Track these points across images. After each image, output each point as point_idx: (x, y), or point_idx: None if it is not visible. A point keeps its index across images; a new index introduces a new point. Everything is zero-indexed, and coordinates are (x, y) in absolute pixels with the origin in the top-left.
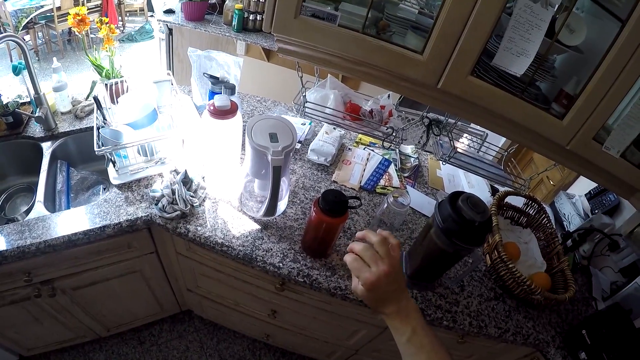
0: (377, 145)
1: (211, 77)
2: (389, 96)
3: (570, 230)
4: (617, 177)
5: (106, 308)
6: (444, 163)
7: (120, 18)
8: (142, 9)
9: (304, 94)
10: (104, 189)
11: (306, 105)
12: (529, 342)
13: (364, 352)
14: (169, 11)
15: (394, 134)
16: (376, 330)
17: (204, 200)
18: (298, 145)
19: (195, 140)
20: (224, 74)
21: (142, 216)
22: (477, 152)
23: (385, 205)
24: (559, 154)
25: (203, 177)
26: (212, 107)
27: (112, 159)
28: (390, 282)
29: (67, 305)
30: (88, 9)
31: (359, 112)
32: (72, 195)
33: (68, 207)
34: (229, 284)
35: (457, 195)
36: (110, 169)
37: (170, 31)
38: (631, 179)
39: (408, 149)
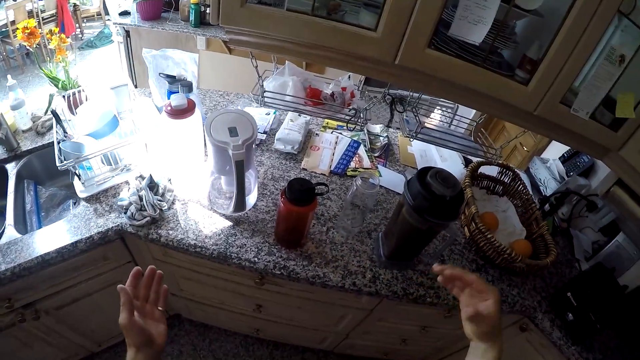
0: (344, 127)
1: (167, 76)
2: (349, 77)
3: (547, 195)
4: (588, 139)
5: (93, 323)
6: (411, 140)
7: (77, 25)
8: (99, 14)
9: (261, 84)
10: (74, 203)
11: (265, 94)
12: (515, 310)
13: (355, 336)
14: (125, 13)
15: (357, 115)
16: (362, 313)
17: (173, 203)
18: (263, 136)
19: (157, 142)
20: (180, 71)
21: (112, 227)
22: (449, 125)
23: (355, 187)
24: (528, 121)
25: (169, 180)
26: (169, 108)
27: (76, 172)
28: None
29: (53, 326)
30: (43, 19)
31: (320, 97)
32: (42, 214)
33: (40, 227)
34: (210, 283)
35: (425, 171)
36: (76, 182)
37: (127, 33)
38: (603, 139)
39: (377, 128)
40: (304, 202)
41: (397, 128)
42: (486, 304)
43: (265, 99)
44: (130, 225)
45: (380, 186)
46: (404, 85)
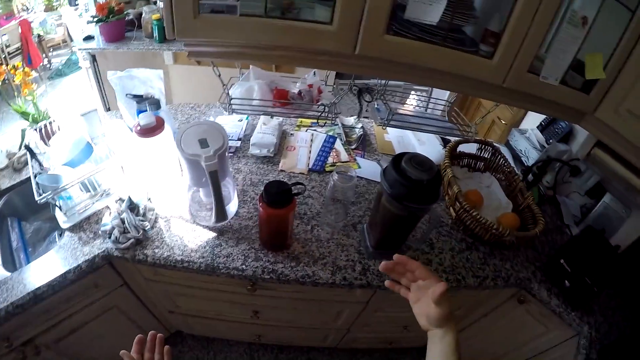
0: (318, 124)
1: (135, 96)
2: (314, 73)
3: (530, 165)
4: (562, 105)
5: (95, 351)
6: (384, 128)
7: (44, 55)
8: (64, 41)
9: (227, 92)
10: (59, 234)
11: (232, 102)
12: (510, 283)
13: (356, 330)
14: (89, 37)
15: (327, 110)
16: (358, 307)
17: (155, 221)
18: (237, 143)
19: (133, 163)
20: (147, 90)
21: (98, 253)
22: (425, 109)
23: (332, 182)
24: (498, 94)
25: (149, 199)
26: (138, 127)
27: (56, 203)
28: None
29: (55, 358)
30: (9, 54)
31: (287, 97)
32: (30, 249)
33: (28, 262)
34: (204, 296)
35: (399, 157)
36: (58, 213)
37: (93, 58)
38: (576, 103)
39: (351, 120)
40: (283, 204)
41: (367, 117)
42: (433, 291)
43: (233, 106)
44: (115, 249)
45: (360, 177)
46: (369, 74)
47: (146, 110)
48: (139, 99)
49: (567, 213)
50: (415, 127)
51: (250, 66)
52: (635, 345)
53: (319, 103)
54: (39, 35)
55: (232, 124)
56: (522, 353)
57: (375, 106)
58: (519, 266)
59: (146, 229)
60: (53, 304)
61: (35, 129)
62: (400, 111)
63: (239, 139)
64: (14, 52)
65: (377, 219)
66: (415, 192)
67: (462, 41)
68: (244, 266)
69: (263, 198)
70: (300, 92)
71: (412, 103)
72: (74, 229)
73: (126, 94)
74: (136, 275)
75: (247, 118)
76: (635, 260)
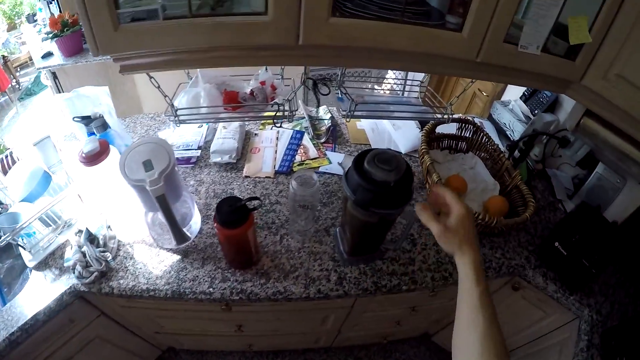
0: (275, 125)
1: (82, 118)
2: (266, 69)
3: (516, 139)
4: (545, 75)
5: None
6: (347, 120)
7: (12, 76)
8: (30, 59)
9: (170, 103)
10: (30, 271)
11: (177, 112)
12: (502, 273)
13: (347, 330)
14: (48, 54)
15: (280, 110)
16: (343, 312)
17: (118, 250)
18: (198, 152)
19: (87, 191)
20: (93, 109)
21: (65, 290)
22: (402, 93)
23: (291, 191)
24: (473, 70)
25: (109, 227)
26: (82, 156)
27: (18, 243)
28: (468, 220)
29: None
30: None
31: (237, 99)
32: (5, 289)
33: (5, 304)
34: (185, 317)
35: (362, 157)
36: (23, 252)
37: (54, 75)
38: (561, 72)
39: (319, 111)
40: (238, 223)
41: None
42: (449, 218)
43: (180, 117)
44: (81, 284)
45: (331, 174)
46: (321, 64)
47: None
48: (86, 120)
49: (559, 187)
50: (383, 116)
51: (198, 70)
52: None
53: (272, 102)
54: (3, 57)
55: (193, 132)
56: (521, 338)
57: (339, 96)
58: (511, 253)
59: (108, 260)
60: (31, 347)
61: None
62: (368, 98)
63: (199, 148)
64: None
65: (346, 225)
66: (382, 196)
67: (425, 14)
68: (211, 289)
69: (217, 218)
70: (252, 92)
71: (383, 88)
72: (40, 266)
73: (73, 118)
74: (111, 304)
75: (207, 123)
76: (633, 232)
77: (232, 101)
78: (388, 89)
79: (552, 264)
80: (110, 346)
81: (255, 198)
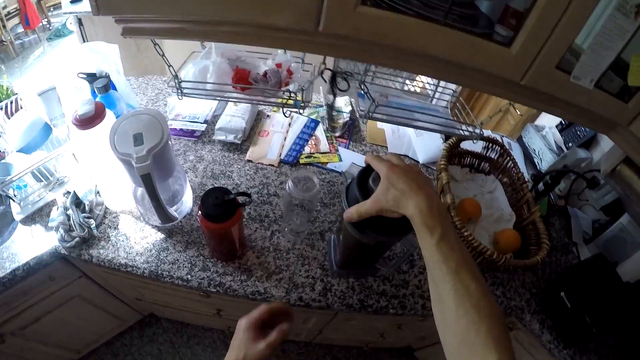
0: (284, 114)
1: (88, 75)
2: (285, 50)
3: (542, 169)
4: (591, 112)
5: (64, 335)
6: (364, 121)
7: (43, 15)
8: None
9: (174, 74)
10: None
11: (181, 85)
12: None
13: (328, 332)
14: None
15: (291, 97)
16: (327, 316)
17: (104, 217)
18: (203, 127)
19: (81, 152)
20: (100, 66)
21: (47, 251)
22: (431, 99)
23: (287, 191)
24: (512, 91)
25: (97, 192)
26: (76, 118)
27: (9, 194)
28: (418, 172)
29: (23, 344)
30: (6, 15)
31: (248, 79)
32: None
33: None
34: (165, 292)
35: (368, 172)
36: (13, 203)
37: (80, 22)
38: (609, 112)
39: (339, 101)
40: (223, 218)
41: None
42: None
43: (185, 90)
44: (62, 247)
45: (339, 172)
46: (342, 56)
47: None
48: (91, 78)
49: (577, 229)
50: (404, 123)
51: None
52: None
53: (284, 88)
54: None
55: (202, 104)
56: None
57: (361, 92)
58: (512, 292)
59: (91, 227)
60: (10, 297)
61: (0, 108)
62: (392, 100)
63: (205, 122)
64: (12, 12)
65: (341, 238)
66: (381, 221)
67: (472, 19)
68: (189, 276)
69: (200, 209)
70: (265, 73)
71: (410, 90)
72: (27, 220)
73: (77, 73)
74: (93, 267)
75: (214, 99)
76: None
77: (242, 81)
78: (416, 92)
79: (553, 313)
80: (91, 306)
81: (245, 194)
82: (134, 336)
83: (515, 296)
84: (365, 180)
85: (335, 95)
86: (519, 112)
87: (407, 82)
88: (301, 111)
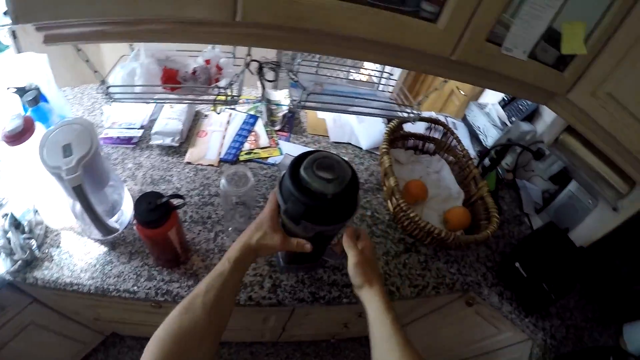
0: (216, 111)
1: (17, 89)
2: (213, 46)
3: (488, 145)
4: (528, 83)
5: None
6: (305, 112)
7: None
8: None
9: (101, 80)
10: None
11: (109, 90)
12: (456, 289)
13: (291, 328)
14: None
15: (221, 93)
16: (285, 314)
17: (45, 237)
18: (140, 132)
19: (13, 171)
20: (30, 78)
21: None
22: (377, 85)
23: (222, 188)
24: (447, 68)
25: (36, 211)
26: (4, 134)
27: None
28: (374, 254)
29: None
30: None
31: (177, 78)
32: None
33: None
34: (120, 308)
35: (299, 161)
36: None
37: (13, 34)
38: (546, 82)
39: (278, 95)
40: (158, 223)
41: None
42: (349, 260)
43: (114, 96)
44: (6, 272)
45: (280, 165)
46: (265, 46)
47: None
48: (20, 92)
49: (528, 200)
50: (340, 109)
51: None
52: (593, 357)
53: (213, 85)
54: None
55: (139, 109)
56: (471, 350)
57: (294, 82)
58: (468, 268)
59: (33, 248)
60: None
61: None
62: (328, 88)
63: (141, 127)
64: None
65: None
66: (317, 210)
67: None
68: (135, 287)
69: (136, 216)
70: (194, 71)
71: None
72: None
73: (7, 88)
74: (43, 290)
75: (146, 102)
76: (599, 256)
77: (170, 80)
78: (362, 81)
79: (510, 284)
80: (48, 332)
81: (178, 196)
82: (98, 358)
83: (471, 272)
84: (297, 171)
85: (264, 87)
86: (463, 93)
87: (352, 70)
88: (234, 107)
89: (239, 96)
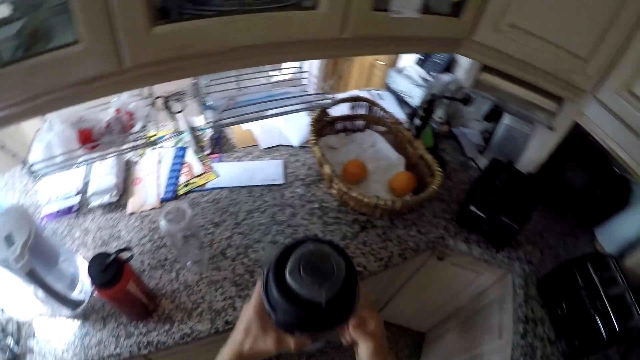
0: (164, 138)
1: None
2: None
3: (416, 106)
4: (430, 38)
5: None
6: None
7: None
8: None
9: (22, 160)
10: None
11: (33, 168)
12: (421, 250)
13: None
14: None
15: (138, 138)
16: None
17: (19, 331)
18: (77, 199)
19: None
20: None
21: None
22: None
23: (163, 229)
24: (344, 47)
25: (1, 310)
26: None
27: None
28: (383, 330)
29: None
30: None
31: (92, 137)
32: None
33: None
34: None
35: (283, 260)
36: None
37: None
38: (447, 31)
39: (200, 120)
40: (113, 281)
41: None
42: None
43: (40, 171)
44: None
45: (221, 188)
46: (164, 80)
47: None
48: None
49: (469, 145)
50: (255, 117)
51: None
52: (572, 269)
53: (128, 132)
54: None
55: (70, 176)
56: (462, 298)
57: (205, 105)
58: (427, 226)
59: (11, 346)
60: None
61: None
62: (240, 100)
63: (78, 193)
64: None
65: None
66: (312, 319)
67: None
68: (118, 349)
69: (91, 281)
70: (108, 125)
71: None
72: None
73: None
74: None
75: (84, 163)
76: (551, 174)
77: (87, 141)
78: (283, 80)
79: (473, 228)
80: None
81: (126, 249)
82: None
83: (432, 229)
84: (282, 275)
85: (177, 120)
86: (382, 63)
87: (272, 73)
88: (161, 145)
89: (155, 135)
